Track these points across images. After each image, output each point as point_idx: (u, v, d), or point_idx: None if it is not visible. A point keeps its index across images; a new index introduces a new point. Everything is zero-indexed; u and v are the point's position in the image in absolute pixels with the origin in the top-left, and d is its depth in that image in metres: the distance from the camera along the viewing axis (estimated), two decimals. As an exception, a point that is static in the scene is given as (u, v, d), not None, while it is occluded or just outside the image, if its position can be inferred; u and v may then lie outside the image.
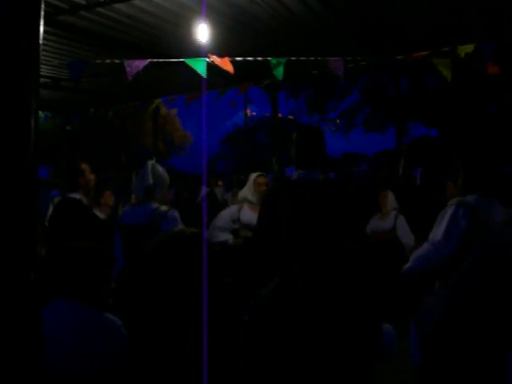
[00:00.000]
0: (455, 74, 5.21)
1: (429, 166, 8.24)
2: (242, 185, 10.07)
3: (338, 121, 22.25)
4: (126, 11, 4.48)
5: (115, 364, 2.12)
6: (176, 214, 3.61)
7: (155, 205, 3.63)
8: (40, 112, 7.83)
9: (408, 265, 3.53)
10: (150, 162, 3.78)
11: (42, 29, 1.13)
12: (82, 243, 2.50)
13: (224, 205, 8.44)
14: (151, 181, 3.65)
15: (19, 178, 1.12)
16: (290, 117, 21.37)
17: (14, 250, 1.11)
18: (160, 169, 3.78)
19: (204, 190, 8.47)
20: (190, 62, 4.70)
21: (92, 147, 21.49)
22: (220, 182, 11.91)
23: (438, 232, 3.31)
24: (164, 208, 3.61)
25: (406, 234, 5.40)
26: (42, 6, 1.15)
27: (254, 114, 22.15)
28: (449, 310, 1.95)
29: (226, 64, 4.77)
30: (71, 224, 3.68)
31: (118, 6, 4.33)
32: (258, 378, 1.86)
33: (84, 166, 4.08)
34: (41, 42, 1.15)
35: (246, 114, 24.41)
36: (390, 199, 5.83)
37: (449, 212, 3.28)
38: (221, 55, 5.28)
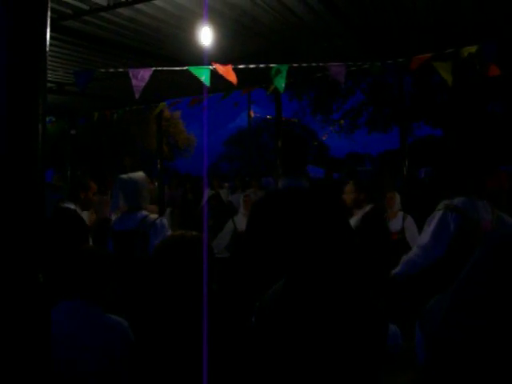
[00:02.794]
0: (459, 74, 5.22)
1: (434, 166, 8.24)
2: (245, 187, 10.08)
3: (342, 121, 22.24)
4: (128, 15, 4.50)
5: (121, 365, 2.13)
6: (164, 221, 3.78)
7: (145, 213, 3.81)
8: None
9: (397, 269, 3.56)
10: (119, 178, 3.90)
11: (48, 35, 1.15)
12: (87, 246, 2.52)
13: (229, 206, 8.44)
14: (121, 198, 3.85)
15: (27, 183, 1.13)
16: (294, 119, 21.36)
17: (22, 253, 1.12)
18: (128, 178, 3.88)
19: (205, 193, 8.47)
20: (194, 70, 4.73)
21: (97, 151, 21.56)
22: (226, 184, 11.91)
23: (425, 237, 3.35)
24: (153, 216, 3.79)
25: (413, 236, 5.30)
26: (49, 12, 1.17)
27: (258, 115, 22.09)
28: (453, 309, 1.95)
29: (229, 73, 4.78)
30: (62, 228, 3.90)
31: (121, 10, 4.35)
32: (265, 378, 1.87)
33: (92, 185, 4.42)
34: (47, 48, 1.17)
35: (249, 116, 24.40)
36: (397, 200, 5.82)
37: (437, 217, 3.31)
38: (223, 57, 5.30)
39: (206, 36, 4.46)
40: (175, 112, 28.50)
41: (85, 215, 4.61)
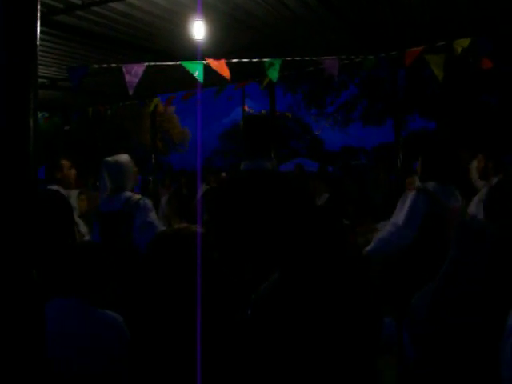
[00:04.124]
0: (452, 66, 5.22)
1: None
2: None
3: (335, 114, 22.27)
4: (121, 10, 4.48)
5: (117, 361, 2.13)
6: (147, 202, 3.81)
7: (129, 194, 3.85)
8: (38, 112, 7.85)
9: (370, 246, 3.58)
10: (105, 160, 3.97)
11: (38, 30, 1.14)
12: (80, 241, 2.51)
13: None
14: (106, 177, 3.90)
15: (19, 179, 1.13)
16: (288, 114, 21.33)
17: (15, 250, 1.12)
18: (114, 161, 3.94)
19: (199, 188, 8.45)
20: (187, 65, 4.72)
21: (91, 146, 21.50)
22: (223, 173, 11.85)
23: (399, 216, 3.38)
24: (136, 197, 3.83)
25: None
26: (38, 6, 1.16)
27: (252, 111, 22.04)
28: (434, 309, 1.97)
29: (222, 68, 4.77)
30: (47, 211, 3.96)
31: (114, 4, 4.33)
32: (261, 371, 1.88)
33: (64, 162, 4.54)
34: (38, 42, 1.16)
35: (243, 110, 24.33)
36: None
37: (410, 197, 3.36)
38: (217, 51, 5.28)
39: (199, 30, 4.44)
40: (169, 107, 28.42)
41: (74, 198, 4.69)
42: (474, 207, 4.06)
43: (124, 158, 3.99)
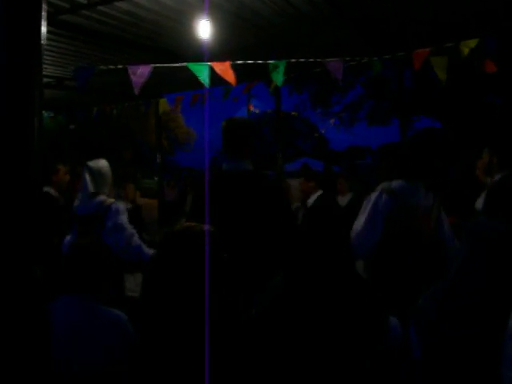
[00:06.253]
0: (457, 67, 5.19)
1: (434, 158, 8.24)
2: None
3: (341, 114, 22.22)
4: (126, 9, 4.48)
5: (122, 359, 2.13)
6: (119, 206, 4.00)
7: (103, 197, 4.01)
8: (43, 111, 7.89)
9: None
10: (87, 164, 4.14)
11: (44, 29, 1.14)
12: (83, 240, 2.52)
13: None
14: (89, 181, 4.07)
15: (24, 177, 1.13)
16: (293, 113, 21.29)
17: (19, 247, 1.12)
18: (96, 166, 4.14)
19: (206, 187, 8.45)
20: (193, 67, 4.71)
21: (96, 145, 21.53)
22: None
23: (361, 219, 3.32)
24: (109, 200, 4.00)
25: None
26: (44, 6, 1.16)
27: (258, 111, 22.02)
28: (443, 309, 1.97)
29: (227, 72, 4.75)
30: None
31: (119, 3, 4.34)
32: (266, 371, 1.87)
33: (60, 167, 4.87)
34: (43, 42, 1.16)
35: (249, 110, 24.36)
36: None
37: (372, 199, 3.28)
38: (222, 50, 5.27)
39: (204, 29, 4.44)
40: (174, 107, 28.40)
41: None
42: (481, 203, 3.97)
43: (104, 163, 4.20)
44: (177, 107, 7.87)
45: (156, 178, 9.10)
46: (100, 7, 4.40)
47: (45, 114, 8.95)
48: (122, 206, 4.04)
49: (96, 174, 4.08)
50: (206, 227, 1.91)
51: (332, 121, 22.96)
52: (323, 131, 33.83)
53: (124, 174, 10.75)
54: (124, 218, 3.91)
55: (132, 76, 4.61)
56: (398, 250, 3.16)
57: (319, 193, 5.43)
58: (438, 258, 3.07)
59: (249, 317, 2.05)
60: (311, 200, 5.42)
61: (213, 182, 3.16)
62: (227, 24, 5.00)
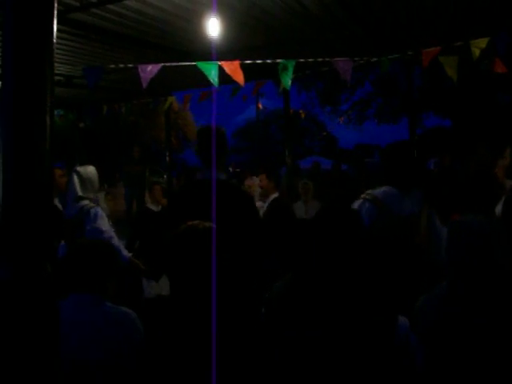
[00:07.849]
0: (467, 65, 5.15)
1: (443, 156, 8.19)
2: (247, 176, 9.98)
3: (350, 112, 22.16)
4: (136, 7, 4.49)
5: (131, 356, 2.14)
6: (98, 210, 4.17)
7: (85, 202, 4.21)
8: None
9: None
10: (76, 169, 4.34)
11: (55, 28, 1.15)
12: (90, 240, 2.55)
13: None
14: (77, 185, 4.26)
15: (35, 175, 1.14)
16: (302, 112, 21.19)
17: (31, 243, 1.13)
18: (85, 171, 4.35)
19: (214, 186, 8.45)
20: (202, 66, 4.72)
21: (105, 143, 21.60)
22: (254, 177, 11.74)
23: None
24: (90, 205, 4.19)
25: None
26: (55, 4, 1.17)
27: (266, 108, 22.00)
28: (442, 312, 1.96)
29: (236, 72, 4.74)
30: None
31: (129, 2, 4.34)
32: (274, 370, 1.88)
33: (57, 170, 4.89)
34: (54, 40, 1.17)
35: (257, 108, 24.37)
36: None
37: (355, 206, 3.15)
38: (232, 49, 5.27)
39: (214, 28, 4.44)
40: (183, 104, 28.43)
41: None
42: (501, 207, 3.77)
43: (92, 169, 4.41)
44: (185, 105, 7.90)
45: (165, 176, 9.11)
46: (110, 6, 4.41)
47: (55, 112, 8.99)
48: (100, 210, 4.20)
49: (84, 179, 4.28)
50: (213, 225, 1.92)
51: (341, 119, 22.91)
52: (331, 129, 33.74)
53: (133, 171, 10.78)
54: (102, 223, 4.09)
55: (142, 74, 4.65)
56: (385, 258, 3.05)
57: (276, 195, 5.24)
58: (430, 265, 2.97)
59: (257, 315, 2.06)
60: (266, 203, 5.22)
61: (186, 192, 3.30)
62: (237, 23, 5.00)
